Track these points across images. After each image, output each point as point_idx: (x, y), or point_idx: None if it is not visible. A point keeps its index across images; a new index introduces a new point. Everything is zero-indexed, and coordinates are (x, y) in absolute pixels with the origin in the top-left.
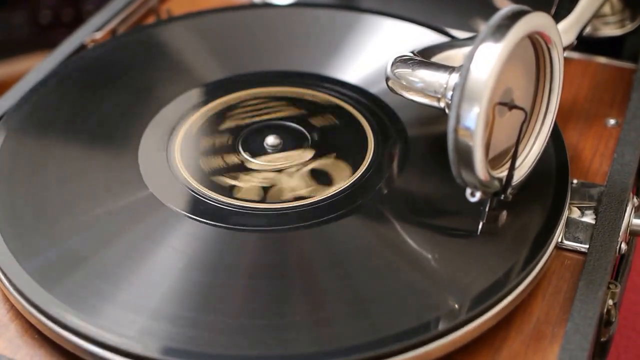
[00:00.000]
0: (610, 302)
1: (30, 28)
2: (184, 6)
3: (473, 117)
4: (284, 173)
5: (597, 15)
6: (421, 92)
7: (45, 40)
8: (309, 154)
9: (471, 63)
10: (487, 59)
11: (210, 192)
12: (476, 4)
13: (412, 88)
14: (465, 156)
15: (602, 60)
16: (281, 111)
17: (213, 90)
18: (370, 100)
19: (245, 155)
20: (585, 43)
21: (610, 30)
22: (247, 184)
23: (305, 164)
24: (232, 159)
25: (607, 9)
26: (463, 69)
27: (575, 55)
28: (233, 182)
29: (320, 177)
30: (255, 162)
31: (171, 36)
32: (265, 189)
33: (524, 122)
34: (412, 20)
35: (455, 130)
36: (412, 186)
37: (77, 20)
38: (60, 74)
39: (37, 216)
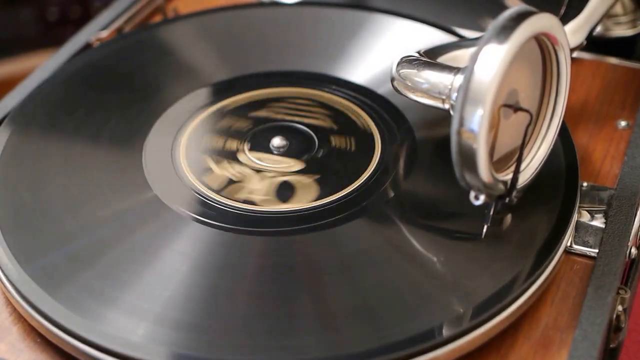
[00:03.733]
0: (620, 307)
1: (37, 25)
2: (191, 5)
3: (477, 120)
4: (259, 175)
5: (608, 15)
6: (426, 93)
7: (53, 38)
8: (298, 165)
9: (475, 64)
10: (491, 61)
11: (215, 194)
12: (486, 3)
13: (417, 89)
14: (468, 159)
15: (613, 60)
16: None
17: (219, 91)
18: (378, 100)
19: (244, 147)
20: (596, 43)
21: (621, 31)
22: (221, 172)
23: (284, 174)
24: (232, 145)
25: (618, 9)
26: (467, 71)
27: (585, 55)
28: (211, 166)
29: (282, 192)
30: (246, 156)
31: (177, 35)
32: (229, 183)
33: (529, 124)
34: (421, 20)
35: (459, 133)
36: (419, 189)
37: (85, 18)
38: (65, 73)
39: (40, 218)
